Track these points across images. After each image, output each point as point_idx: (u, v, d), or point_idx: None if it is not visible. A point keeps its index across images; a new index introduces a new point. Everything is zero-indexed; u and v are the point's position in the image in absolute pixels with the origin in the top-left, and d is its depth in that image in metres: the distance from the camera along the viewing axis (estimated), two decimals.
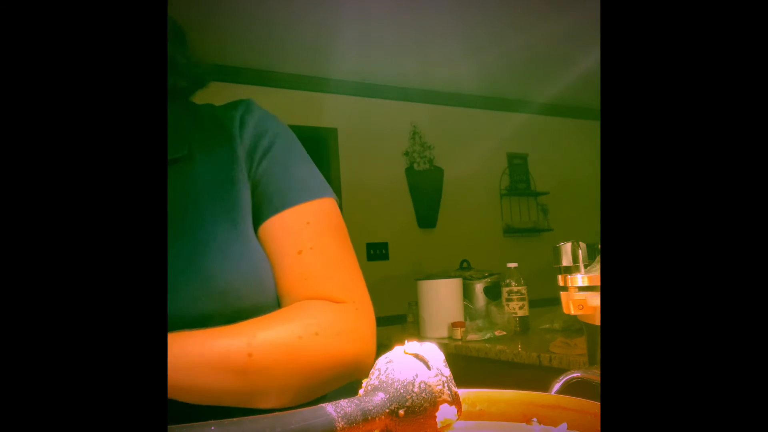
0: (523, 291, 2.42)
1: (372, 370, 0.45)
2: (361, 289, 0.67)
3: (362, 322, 0.65)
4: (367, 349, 0.64)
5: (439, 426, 0.43)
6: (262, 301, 0.63)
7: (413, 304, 2.84)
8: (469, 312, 2.59)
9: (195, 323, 0.57)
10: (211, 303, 0.59)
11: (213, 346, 0.55)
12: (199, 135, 0.67)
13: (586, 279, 0.59)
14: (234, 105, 0.70)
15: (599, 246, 0.53)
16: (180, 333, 0.55)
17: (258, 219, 0.66)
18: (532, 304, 2.50)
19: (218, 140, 0.67)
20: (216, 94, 0.70)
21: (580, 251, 0.61)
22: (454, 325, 2.42)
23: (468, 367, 2.21)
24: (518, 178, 4.41)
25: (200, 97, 0.75)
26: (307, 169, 0.69)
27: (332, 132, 3.75)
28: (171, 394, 0.53)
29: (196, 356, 0.54)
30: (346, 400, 0.40)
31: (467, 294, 2.64)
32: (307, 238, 0.65)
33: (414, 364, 0.43)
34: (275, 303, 0.65)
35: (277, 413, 0.38)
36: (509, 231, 4.27)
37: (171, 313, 0.55)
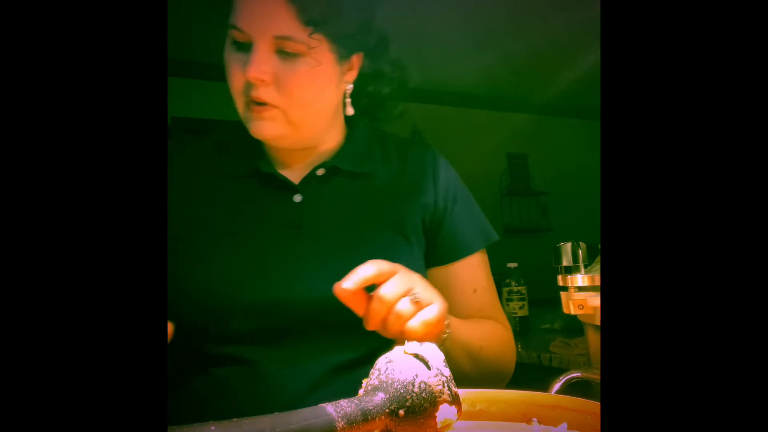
0: (523, 291, 2.42)
1: (372, 370, 0.45)
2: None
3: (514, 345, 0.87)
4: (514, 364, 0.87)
5: (439, 426, 0.43)
6: None
7: None
8: None
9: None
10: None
11: (465, 331, 0.71)
12: (383, 158, 0.82)
13: (586, 279, 0.59)
14: (418, 145, 0.86)
15: (599, 246, 0.53)
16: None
17: (442, 258, 0.81)
18: (532, 304, 2.49)
19: (404, 171, 0.81)
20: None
21: (580, 251, 0.61)
22: None
23: None
24: (518, 178, 4.40)
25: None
26: (482, 217, 0.85)
27: None
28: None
29: (456, 338, 0.69)
30: (346, 400, 0.40)
31: None
32: (480, 280, 0.83)
33: (414, 364, 0.43)
34: None
35: (277, 413, 0.38)
36: (509, 231, 4.27)
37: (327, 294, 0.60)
